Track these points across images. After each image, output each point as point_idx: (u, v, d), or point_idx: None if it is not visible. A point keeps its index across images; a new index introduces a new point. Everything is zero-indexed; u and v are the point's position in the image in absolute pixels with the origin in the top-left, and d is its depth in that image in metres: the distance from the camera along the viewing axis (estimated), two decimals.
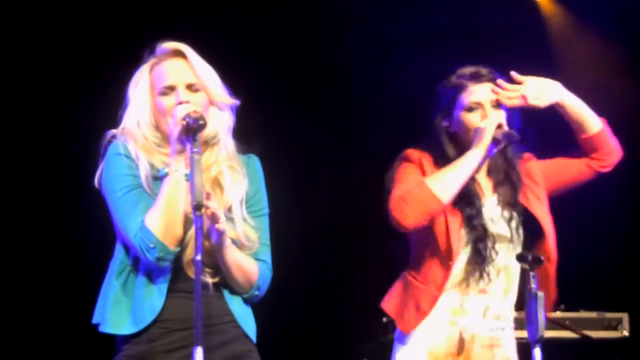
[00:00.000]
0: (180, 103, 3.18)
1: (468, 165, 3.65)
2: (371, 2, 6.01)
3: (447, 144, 3.77)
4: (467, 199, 3.72)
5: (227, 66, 3.35)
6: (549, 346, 3.68)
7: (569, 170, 3.86)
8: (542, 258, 3.46)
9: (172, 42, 3.28)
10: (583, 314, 5.46)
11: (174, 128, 3.11)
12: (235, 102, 3.32)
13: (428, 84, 3.93)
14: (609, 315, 5.48)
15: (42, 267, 5.68)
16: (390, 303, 3.81)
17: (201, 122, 3.09)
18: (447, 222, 3.69)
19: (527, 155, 3.87)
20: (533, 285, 3.42)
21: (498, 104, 3.73)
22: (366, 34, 6.05)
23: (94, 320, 3.19)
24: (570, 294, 5.25)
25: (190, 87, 3.23)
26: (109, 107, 3.36)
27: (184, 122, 3.09)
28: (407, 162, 3.77)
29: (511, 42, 5.82)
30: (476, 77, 3.74)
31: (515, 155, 3.80)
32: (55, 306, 5.63)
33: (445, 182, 3.63)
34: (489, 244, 3.70)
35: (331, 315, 6.08)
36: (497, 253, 3.70)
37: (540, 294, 3.41)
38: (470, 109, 3.73)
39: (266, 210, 3.34)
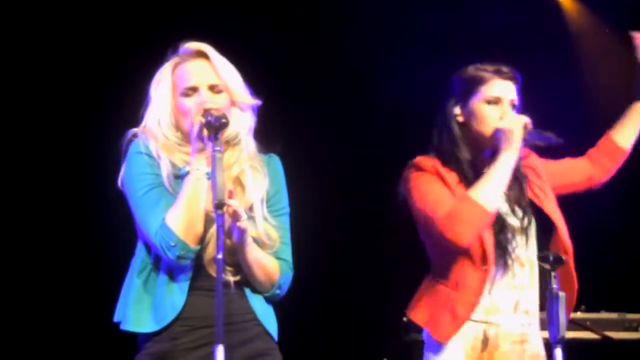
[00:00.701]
0: (205, 100, 3.19)
1: (506, 170, 3.59)
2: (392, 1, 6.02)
3: (456, 132, 3.70)
4: None
5: (246, 68, 3.35)
6: (569, 347, 3.67)
7: (576, 174, 3.87)
8: (564, 258, 3.45)
9: (195, 42, 3.28)
10: (604, 315, 5.45)
11: (193, 126, 3.11)
12: (257, 102, 3.32)
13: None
14: (630, 316, 5.46)
15: (63, 266, 5.70)
16: (420, 314, 3.70)
17: (224, 120, 3.08)
18: None
19: (524, 150, 3.76)
20: (554, 286, 3.40)
21: (514, 105, 3.69)
22: (389, 34, 6.05)
23: (115, 319, 3.20)
24: (591, 295, 5.25)
25: (212, 88, 3.23)
26: (131, 105, 3.37)
27: (203, 120, 3.08)
28: (420, 172, 3.70)
29: (523, 42, 5.83)
30: (499, 73, 3.70)
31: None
32: (77, 305, 5.65)
33: (490, 193, 3.56)
34: (509, 236, 3.64)
35: (352, 315, 6.08)
36: (517, 244, 3.65)
37: (562, 294, 3.39)
38: (489, 102, 3.68)
39: (287, 210, 3.34)
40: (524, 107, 3.74)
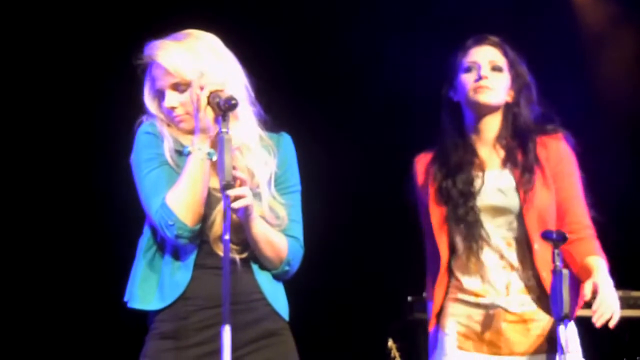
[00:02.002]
0: (170, 108, 3.20)
1: None
2: None
3: (446, 116, 3.73)
4: (455, 174, 3.67)
5: (256, 54, 3.35)
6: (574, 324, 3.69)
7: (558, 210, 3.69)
8: (567, 235, 3.45)
9: (150, 43, 3.22)
10: None
11: (197, 104, 3.08)
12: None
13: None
14: (635, 293, 5.47)
15: (75, 249, 5.74)
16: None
17: (233, 101, 3.04)
18: (430, 210, 3.70)
19: (557, 132, 3.74)
20: (558, 263, 3.41)
21: (497, 68, 3.69)
22: (396, 22, 6.06)
23: (125, 298, 3.22)
24: None
25: (175, 87, 3.21)
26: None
27: (207, 98, 3.06)
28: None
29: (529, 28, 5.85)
30: (477, 40, 3.73)
31: (529, 124, 3.72)
32: (89, 285, 5.68)
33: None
34: (477, 220, 3.64)
35: (357, 295, 6.11)
36: (486, 229, 3.64)
37: (565, 271, 3.40)
38: (467, 70, 3.70)
39: (297, 188, 3.33)
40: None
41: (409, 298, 5.39)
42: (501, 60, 3.71)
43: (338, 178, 6.01)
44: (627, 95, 6.21)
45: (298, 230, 3.30)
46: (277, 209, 3.24)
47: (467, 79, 3.68)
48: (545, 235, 3.46)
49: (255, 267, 3.23)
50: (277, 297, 3.25)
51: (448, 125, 3.73)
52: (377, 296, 5.96)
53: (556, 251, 3.42)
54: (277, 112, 3.37)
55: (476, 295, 3.66)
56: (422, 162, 3.78)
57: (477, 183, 3.67)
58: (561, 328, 3.41)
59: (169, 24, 3.33)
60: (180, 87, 3.20)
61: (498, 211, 3.65)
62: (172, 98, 3.21)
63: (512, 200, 3.65)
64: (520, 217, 3.64)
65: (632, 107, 6.18)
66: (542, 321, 3.66)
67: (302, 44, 6.01)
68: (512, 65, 3.72)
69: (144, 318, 3.23)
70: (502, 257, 3.65)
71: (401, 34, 5.98)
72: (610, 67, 6.26)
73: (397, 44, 5.92)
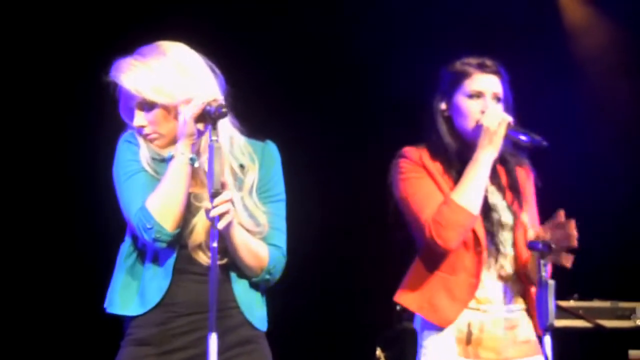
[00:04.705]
0: (139, 126, 3.19)
1: (485, 168, 3.63)
2: None
3: (442, 126, 3.74)
4: None
5: (250, 61, 3.33)
6: (561, 335, 3.70)
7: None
8: (553, 246, 3.46)
9: (114, 64, 3.18)
10: (596, 303, 5.46)
11: (188, 111, 3.09)
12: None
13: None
14: (623, 304, 5.47)
15: (56, 256, 5.74)
16: (413, 300, 3.74)
17: (223, 110, 3.05)
18: None
19: (526, 166, 3.85)
20: (544, 274, 3.43)
21: (498, 98, 3.72)
22: (381, 25, 6.06)
23: (105, 304, 3.21)
24: (584, 283, 5.27)
25: (141, 107, 3.20)
26: None
27: (202, 107, 3.06)
28: (408, 162, 3.73)
29: (524, 34, 5.84)
30: (482, 67, 3.74)
31: (510, 153, 3.78)
32: (68, 292, 5.68)
33: (472, 194, 3.61)
34: (495, 227, 3.69)
35: (345, 304, 6.10)
36: (504, 237, 3.69)
37: (551, 282, 3.42)
38: (471, 96, 3.72)
39: (282, 197, 3.32)
40: (516, 101, 3.77)
41: (398, 307, 5.35)
42: (500, 90, 3.75)
43: (326, 184, 6.01)
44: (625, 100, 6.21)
45: (281, 239, 3.29)
46: (258, 216, 3.23)
47: (471, 107, 3.71)
48: (531, 246, 3.49)
49: (233, 275, 3.22)
50: (251, 307, 3.24)
51: (445, 135, 3.75)
52: (365, 305, 5.94)
53: (542, 261, 3.44)
54: (266, 117, 3.36)
55: (478, 302, 3.68)
56: (417, 155, 3.75)
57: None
58: (546, 338, 3.42)
59: (153, 24, 3.31)
60: (145, 106, 3.20)
61: (503, 226, 3.72)
62: (139, 117, 3.21)
63: (509, 217, 3.72)
64: (512, 233, 3.71)
65: (630, 112, 6.18)
66: (524, 327, 3.72)
67: (293, 49, 6.00)
68: (505, 94, 3.77)
69: (121, 324, 3.22)
70: (502, 267, 3.70)
71: (399, 38, 5.99)
72: (609, 72, 6.27)
73: (394, 48, 5.93)
